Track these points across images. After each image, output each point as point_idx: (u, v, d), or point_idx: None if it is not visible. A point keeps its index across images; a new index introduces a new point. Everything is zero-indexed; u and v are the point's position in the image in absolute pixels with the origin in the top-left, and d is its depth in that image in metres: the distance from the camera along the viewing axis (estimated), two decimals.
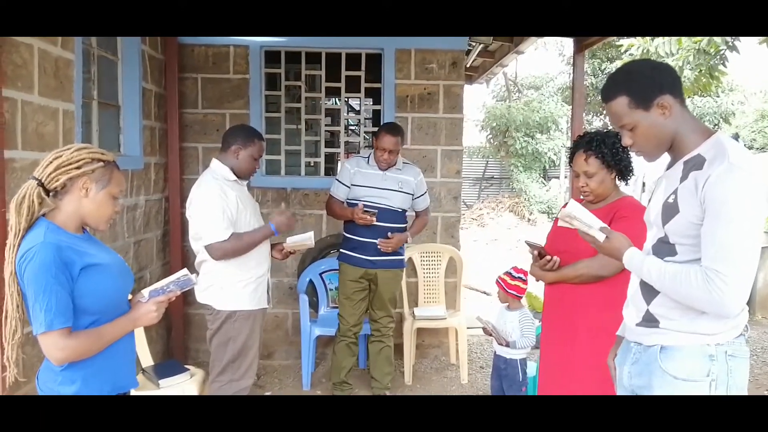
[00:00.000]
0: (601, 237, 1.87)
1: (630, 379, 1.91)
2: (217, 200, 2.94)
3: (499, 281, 3.57)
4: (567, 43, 15.65)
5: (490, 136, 18.33)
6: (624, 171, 2.58)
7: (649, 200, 1.95)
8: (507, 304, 3.58)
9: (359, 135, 6.01)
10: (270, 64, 4.95)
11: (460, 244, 5.09)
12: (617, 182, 2.63)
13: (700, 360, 1.72)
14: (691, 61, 5.83)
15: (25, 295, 1.73)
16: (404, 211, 3.97)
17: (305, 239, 3.18)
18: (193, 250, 3.10)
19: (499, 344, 3.49)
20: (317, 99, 5.34)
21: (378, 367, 4.12)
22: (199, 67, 4.78)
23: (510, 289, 3.51)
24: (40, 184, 1.76)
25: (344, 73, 4.95)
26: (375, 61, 4.99)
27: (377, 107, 5.12)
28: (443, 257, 4.90)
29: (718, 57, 5.83)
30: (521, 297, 3.55)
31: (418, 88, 4.91)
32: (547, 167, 17.99)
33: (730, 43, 5.63)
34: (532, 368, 3.78)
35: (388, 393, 4.12)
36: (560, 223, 2.03)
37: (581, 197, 2.65)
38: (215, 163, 3.10)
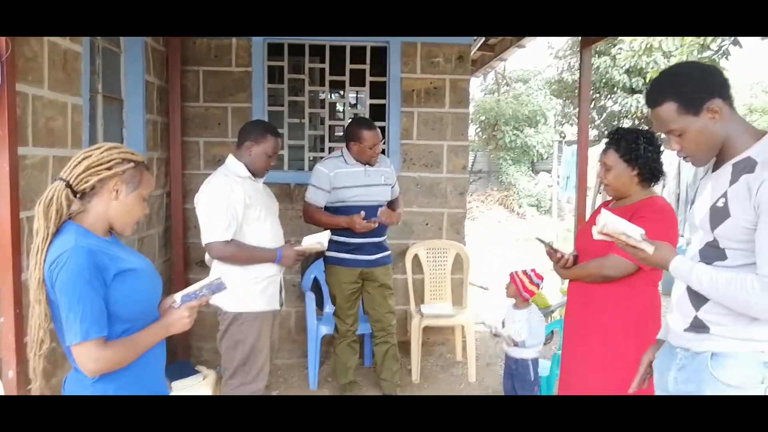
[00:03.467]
0: (650, 249, 1.78)
1: (676, 384, 1.86)
2: (222, 198, 2.88)
3: (516, 279, 3.52)
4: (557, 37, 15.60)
5: (479, 129, 18.29)
6: (647, 170, 2.52)
7: (692, 203, 1.90)
8: (514, 302, 3.54)
9: None
10: (273, 57, 4.84)
11: (465, 240, 5.04)
12: (644, 183, 2.57)
13: (755, 367, 1.68)
14: (694, 57, 5.82)
15: (53, 303, 1.64)
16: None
17: (321, 238, 3.10)
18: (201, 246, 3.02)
19: (508, 345, 3.46)
20: (319, 92, 5.23)
21: (386, 368, 4.07)
22: (200, 59, 4.66)
23: (525, 291, 3.48)
24: (68, 185, 1.66)
25: (348, 66, 4.86)
26: (380, 55, 4.90)
27: (375, 101, 4.99)
28: (449, 254, 4.85)
29: (720, 52, 5.84)
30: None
31: (424, 82, 4.83)
32: (536, 161, 18.01)
33: (733, 38, 5.63)
34: (545, 367, 3.76)
35: (398, 390, 4.08)
36: (597, 237, 1.92)
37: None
38: (230, 159, 3.05)
